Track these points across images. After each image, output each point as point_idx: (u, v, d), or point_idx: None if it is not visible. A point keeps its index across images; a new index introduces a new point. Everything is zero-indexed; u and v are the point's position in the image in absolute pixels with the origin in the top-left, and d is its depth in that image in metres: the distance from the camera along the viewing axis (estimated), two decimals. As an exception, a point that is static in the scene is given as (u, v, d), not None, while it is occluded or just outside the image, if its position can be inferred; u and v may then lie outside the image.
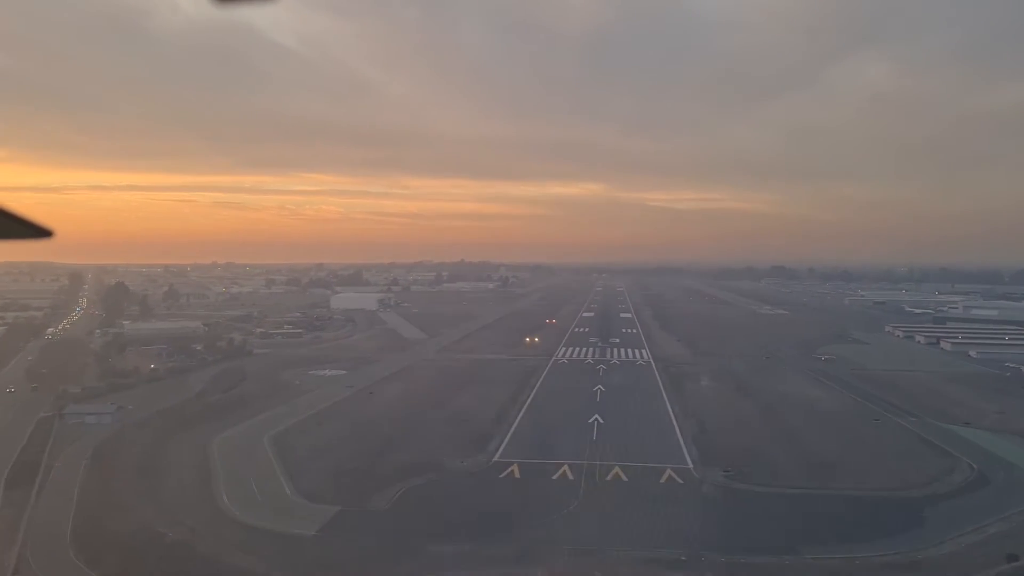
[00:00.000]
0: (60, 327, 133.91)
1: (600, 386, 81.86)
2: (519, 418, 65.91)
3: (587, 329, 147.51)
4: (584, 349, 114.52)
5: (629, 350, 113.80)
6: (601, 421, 64.72)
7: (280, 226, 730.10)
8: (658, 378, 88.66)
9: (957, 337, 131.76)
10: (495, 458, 54.14)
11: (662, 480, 49.92)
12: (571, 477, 49.78)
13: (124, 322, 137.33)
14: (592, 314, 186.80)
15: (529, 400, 74.06)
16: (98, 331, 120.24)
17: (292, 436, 59.27)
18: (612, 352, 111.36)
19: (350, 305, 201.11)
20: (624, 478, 49.88)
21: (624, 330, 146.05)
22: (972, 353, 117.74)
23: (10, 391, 77.67)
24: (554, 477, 49.95)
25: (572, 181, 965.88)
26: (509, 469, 51.48)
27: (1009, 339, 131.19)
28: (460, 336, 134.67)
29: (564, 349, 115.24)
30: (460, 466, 52.25)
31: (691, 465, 53.06)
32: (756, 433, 62.08)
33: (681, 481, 49.77)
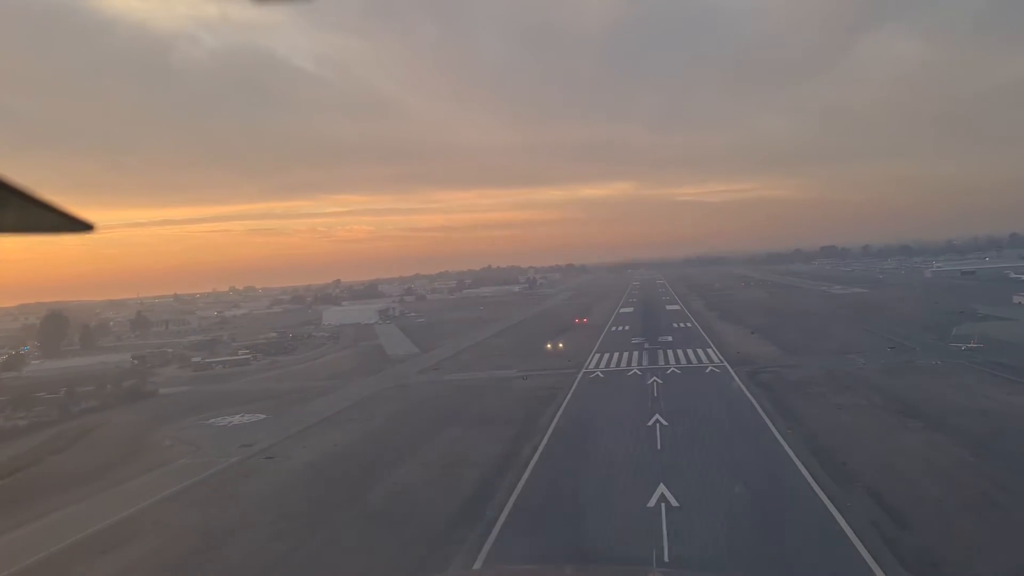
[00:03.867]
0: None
1: (658, 417, 48.82)
2: (509, 508, 33.23)
3: (627, 327, 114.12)
4: (626, 354, 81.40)
5: (689, 351, 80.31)
6: (674, 503, 31.85)
7: (313, 248, 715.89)
8: (749, 395, 55.21)
9: None
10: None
11: None
12: None
13: (35, 361, 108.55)
14: (631, 309, 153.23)
15: (535, 459, 41.18)
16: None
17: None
18: (666, 356, 78.05)
19: (344, 320, 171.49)
20: None
21: (676, 324, 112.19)
22: None
23: None
24: None
25: (600, 182, 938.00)
26: None
27: None
28: (462, 347, 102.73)
29: (598, 356, 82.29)
30: None
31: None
32: (1020, 519, 28.60)
33: None
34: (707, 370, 67.99)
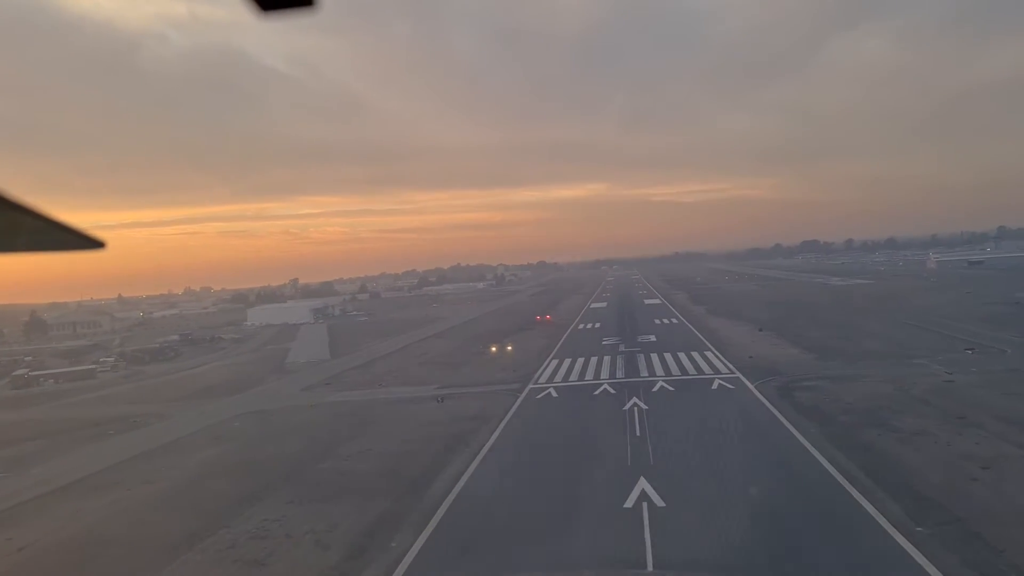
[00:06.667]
0: None
1: (644, 486, 25.81)
2: None
3: (597, 325, 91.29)
4: (594, 360, 58.43)
5: (682, 355, 57.52)
6: None
7: (285, 250, 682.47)
8: (795, 432, 32.26)
9: None
10: None
11: None
12: None
13: None
14: (604, 304, 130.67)
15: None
16: None
17: None
18: (649, 362, 55.23)
19: (271, 319, 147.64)
20: None
21: (659, 321, 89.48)
22: None
23: None
24: None
25: (575, 182, 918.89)
26: None
27: None
28: (385, 352, 79.11)
29: (555, 363, 59.27)
30: None
31: None
32: None
33: None
34: (713, 385, 45.08)
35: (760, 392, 41.63)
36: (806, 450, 29.23)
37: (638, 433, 33.64)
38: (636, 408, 39.01)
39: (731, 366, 51.33)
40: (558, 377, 52.36)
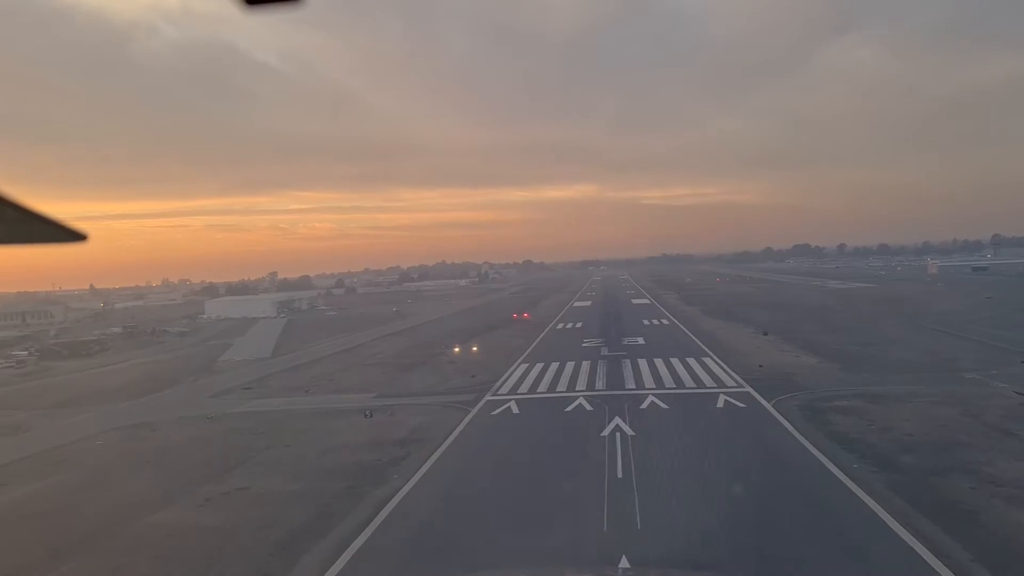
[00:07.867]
0: None
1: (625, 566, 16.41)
2: None
3: (579, 324, 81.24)
4: (570, 366, 48.38)
5: (676, 362, 47.60)
6: None
7: (273, 245, 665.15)
8: (852, 486, 22.28)
9: None
10: None
11: None
12: None
13: None
14: (588, 303, 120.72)
15: None
16: None
17: None
18: (636, 370, 45.22)
19: (230, 313, 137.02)
20: None
21: (648, 322, 79.51)
22: None
23: None
24: None
25: (565, 184, 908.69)
26: None
27: None
28: (332, 351, 68.74)
29: (523, 368, 49.27)
30: None
31: None
32: None
33: None
34: (718, 402, 35.09)
35: (781, 414, 31.77)
36: (874, 515, 19.31)
37: (620, 474, 23.67)
38: (619, 434, 29.02)
39: (738, 377, 41.46)
40: (524, 386, 42.28)
